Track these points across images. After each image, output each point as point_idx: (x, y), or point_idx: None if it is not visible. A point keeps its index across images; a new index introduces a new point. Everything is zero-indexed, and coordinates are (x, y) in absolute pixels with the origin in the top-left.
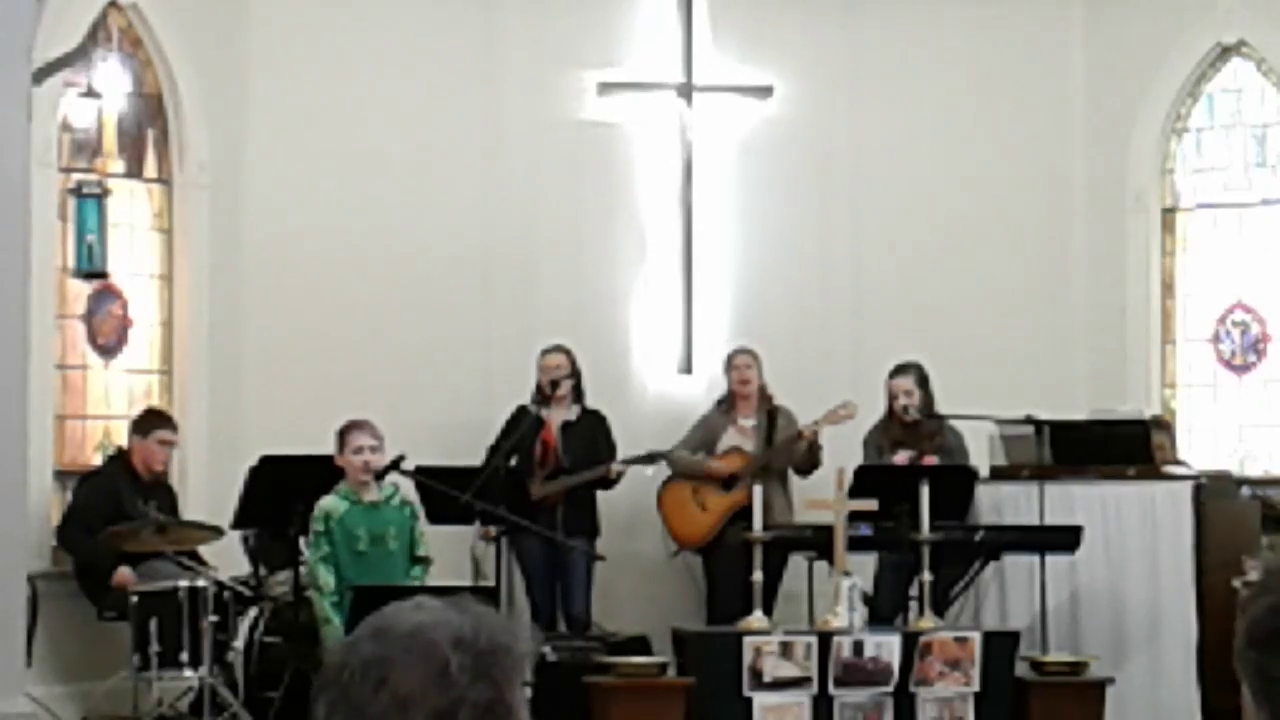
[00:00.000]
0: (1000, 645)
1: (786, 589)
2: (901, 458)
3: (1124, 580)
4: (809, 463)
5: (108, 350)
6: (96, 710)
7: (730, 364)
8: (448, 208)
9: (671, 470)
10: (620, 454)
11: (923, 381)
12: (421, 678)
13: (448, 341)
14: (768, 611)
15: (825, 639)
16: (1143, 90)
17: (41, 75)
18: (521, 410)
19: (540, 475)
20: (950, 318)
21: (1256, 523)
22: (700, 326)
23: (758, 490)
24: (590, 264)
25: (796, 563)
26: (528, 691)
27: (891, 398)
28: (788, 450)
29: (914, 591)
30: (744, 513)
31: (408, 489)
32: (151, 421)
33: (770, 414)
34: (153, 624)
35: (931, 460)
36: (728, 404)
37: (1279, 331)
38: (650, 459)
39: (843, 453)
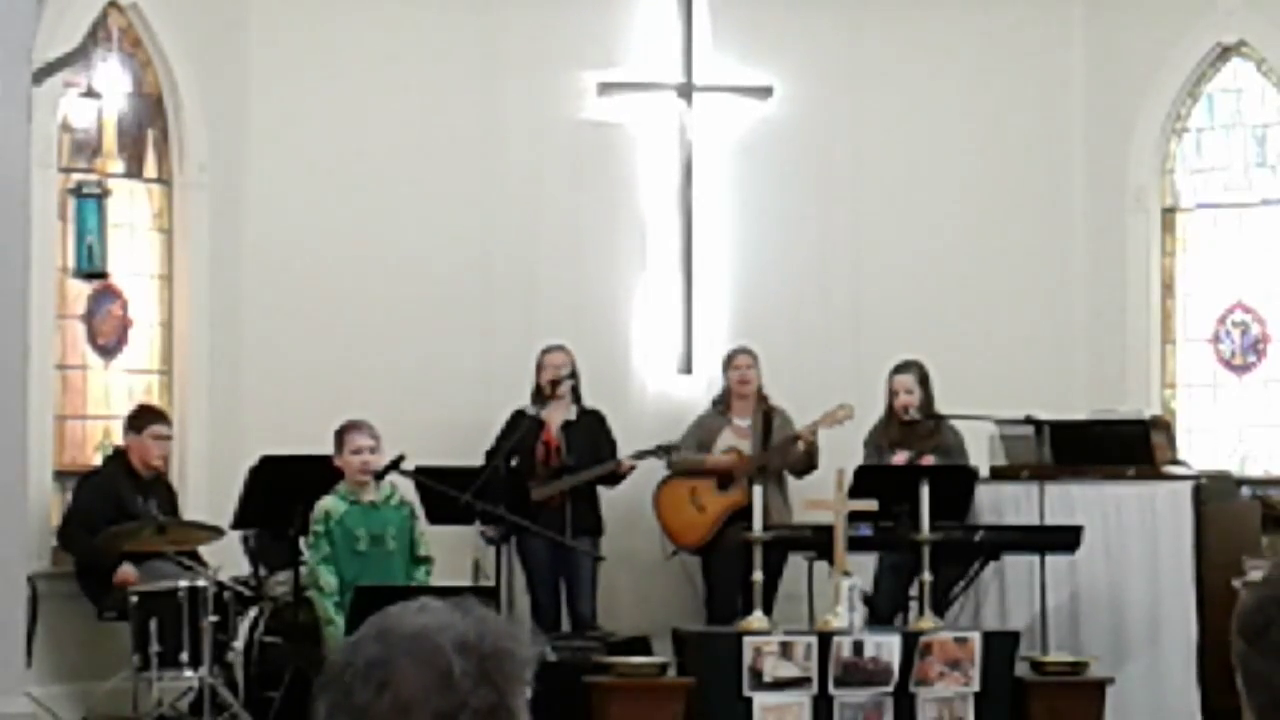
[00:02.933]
0: (1000, 645)
1: (786, 589)
2: (900, 458)
3: (1124, 580)
4: (806, 465)
5: (108, 350)
6: (96, 710)
7: (730, 363)
8: (448, 208)
9: (672, 470)
10: (620, 453)
11: (923, 380)
12: (424, 681)
13: (448, 341)
14: (767, 612)
15: (825, 639)
16: (1143, 90)
17: (41, 75)
18: (519, 414)
19: (543, 475)
20: (950, 318)
21: (1256, 523)
22: (700, 326)
23: (758, 490)
24: (590, 264)
25: (796, 563)
26: (528, 693)
27: (892, 395)
28: (784, 451)
29: (914, 591)
30: (741, 513)
31: (407, 489)
32: (145, 418)
33: (766, 415)
34: (153, 624)
35: (929, 460)
36: (724, 404)
37: (1279, 331)
38: (663, 451)
39: (842, 453)
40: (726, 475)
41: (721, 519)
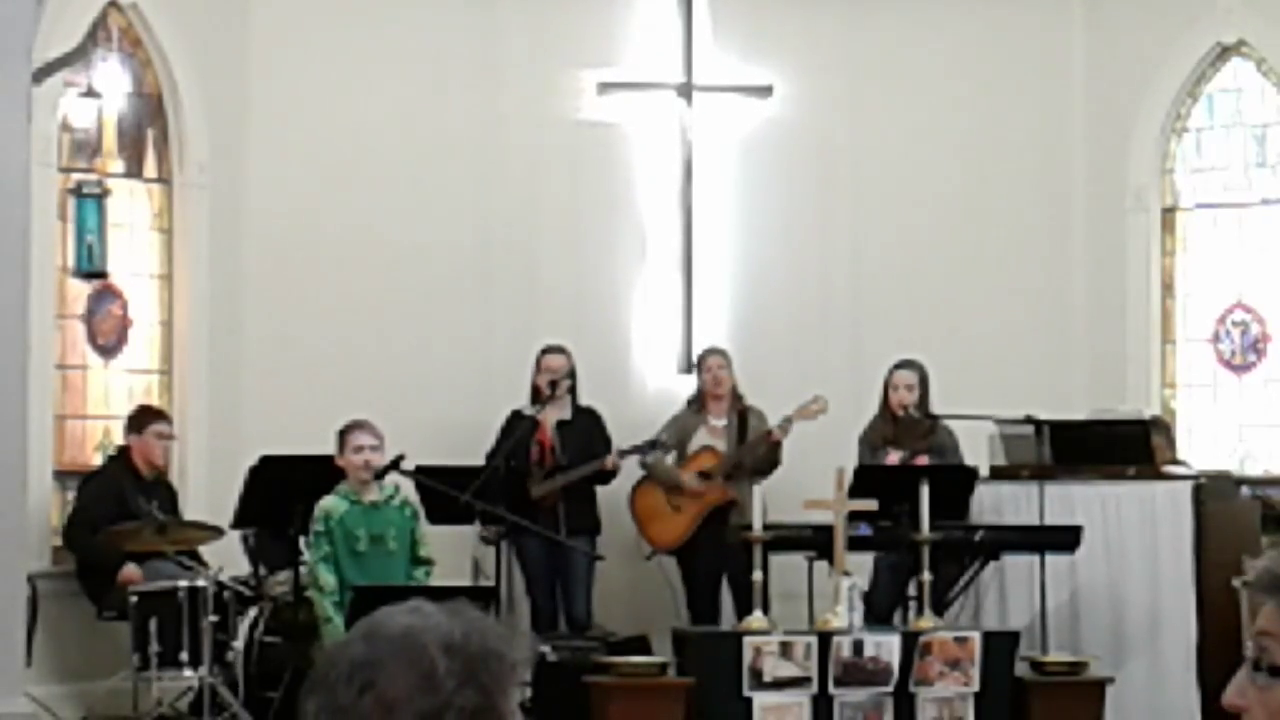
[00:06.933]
0: (1000, 645)
1: (787, 589)
2: (893, 458)
3: (1124, 580)
4: (769, 462)
5: (108, 350)
6: (96, 710)
7: (702, 365)
8: (448, 207)
9: (648, 474)
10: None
11: (923, 380)
12: (408, 681)
13: (448, 341)
14: (748, 612)
15: (825, 639)
16: (1143, 90)
17: (41, 75)
18: (516, 414)
19: (538, 475)
20: (950, 317)
21: (1256, 523)
22: (700, 326)
23: (757, 490)
24: (590, 264)
25: (796, 562)
26: (527, 692)
27: (890, 389)
28: (755, 449)
29: (912, 591)
30: (716, 513)
31: (408, 489)
32: (146, 418)
33: (741, 414)
34: (153, 624)
35: (923, 460)
36: (699, 403)
37: (1279, 331)
38: (649, 447)
39: (840, 452)
40: (702, 475)
41: (698, 518)
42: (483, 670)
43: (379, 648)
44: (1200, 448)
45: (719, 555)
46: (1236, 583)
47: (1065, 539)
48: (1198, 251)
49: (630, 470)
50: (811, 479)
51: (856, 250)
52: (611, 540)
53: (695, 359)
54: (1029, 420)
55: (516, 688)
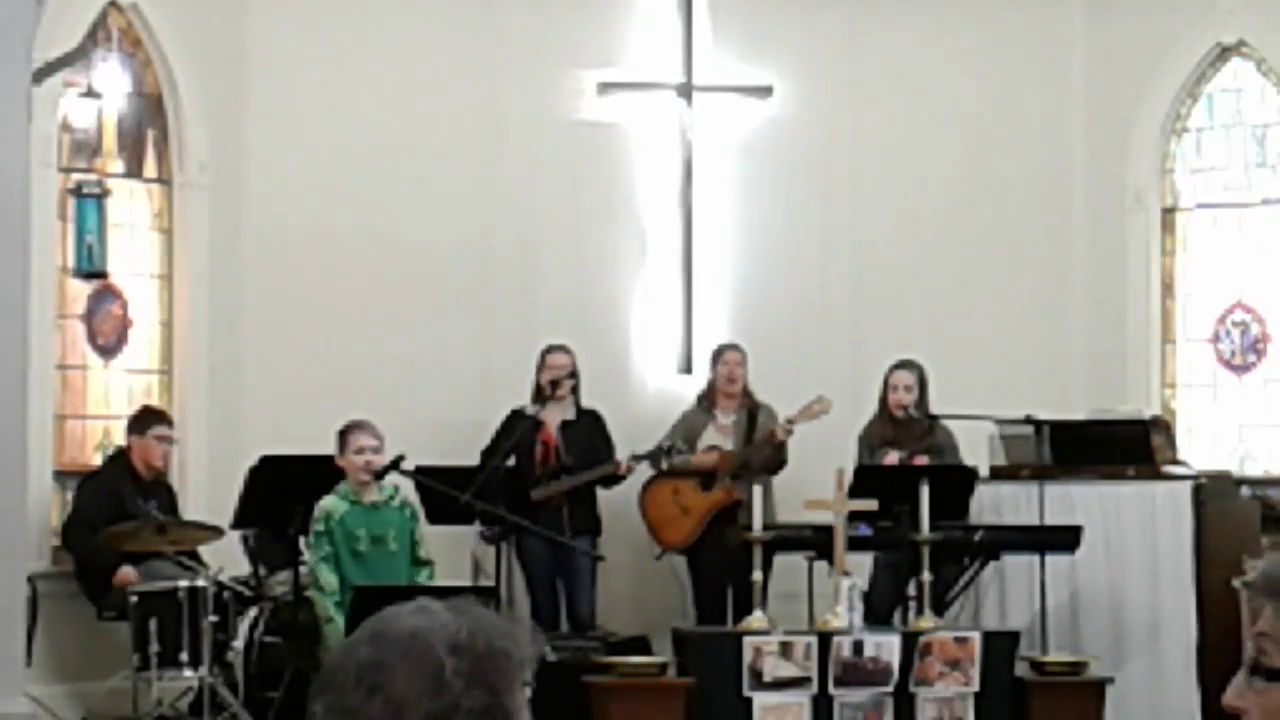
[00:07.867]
0: (1000, 645)
1: (787, 589)
2: (891, 458)
3: (1124, 580)
4: (776, 461)
5: (108, 350)
6: (96, 710)
7: (719, 358)
8: (447, 207)
9: (669, 471)
10: (619, 453)
11: (921, 380)
12: (416, 682)
13: (448, 341)
14: (749, 612)
15: (825, 639)
16: (1143, 90)
17: (41, 75)
18: (516, 413)
19: (541, 475)
20: (950, 317)
21: (1256, 523)
22: (700, 326)
23: (758, 490)
24: (590, 264)
25: (796, 562)
26: (528, 692)
27: (889, 390)
28: (762, 448)
29: (912, 591)
30: (725, 513)
31: (408, 489)
32: (148, 419)
33: (751, 412)
34: (153, 624)
35: (921, 460)
36: (708, 400)
37: (1279, 331)
38: (661, 453)
39: (840, 452)
40: (710, 475)
41: (705, 519)
42: (491, 670)
43: (386, 649)
44: (1200, 448)
45: (724, 560)
46: (1236, 583)
47: (1065, 539)
48: (1198, 251)
49: (637, 472)
50: (811, 479)
51: (856, 250)
52: (618, 540)
53: (712, 353)
54: (1029, 420)
55: (524, 685)
